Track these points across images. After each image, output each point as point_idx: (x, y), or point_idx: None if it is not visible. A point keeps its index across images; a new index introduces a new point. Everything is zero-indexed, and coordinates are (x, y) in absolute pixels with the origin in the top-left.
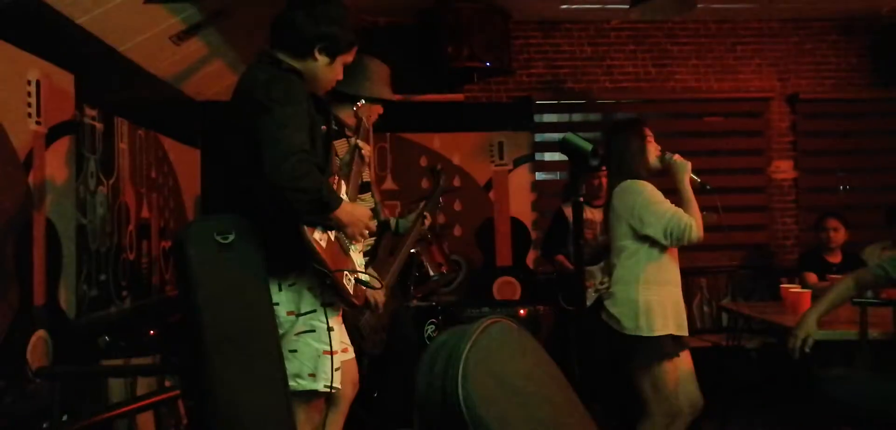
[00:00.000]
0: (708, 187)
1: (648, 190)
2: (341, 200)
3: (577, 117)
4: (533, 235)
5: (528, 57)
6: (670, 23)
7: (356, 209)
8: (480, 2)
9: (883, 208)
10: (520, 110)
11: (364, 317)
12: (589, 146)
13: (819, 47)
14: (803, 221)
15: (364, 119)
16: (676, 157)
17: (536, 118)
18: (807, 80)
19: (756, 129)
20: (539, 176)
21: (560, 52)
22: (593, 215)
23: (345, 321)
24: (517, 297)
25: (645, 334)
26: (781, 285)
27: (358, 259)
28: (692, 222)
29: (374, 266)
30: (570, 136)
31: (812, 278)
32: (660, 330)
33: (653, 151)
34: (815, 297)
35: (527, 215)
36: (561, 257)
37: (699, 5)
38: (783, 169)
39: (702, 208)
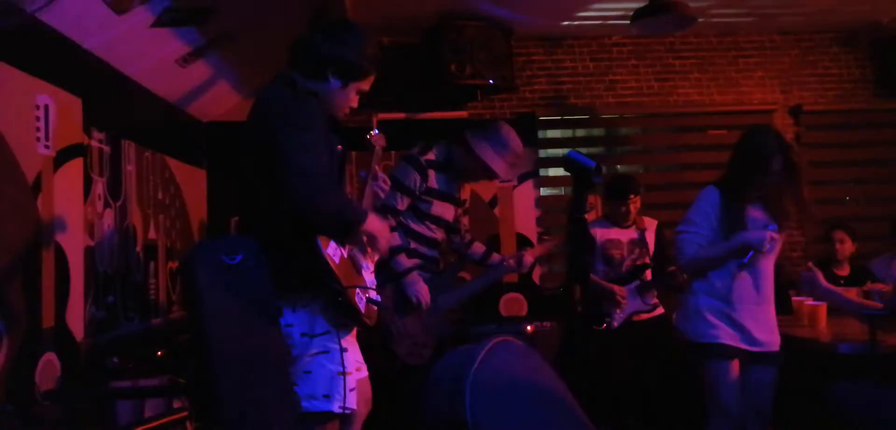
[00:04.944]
0: None
1: None
2: (366, 212)
3: (580, 133)
4: None
5: (531, 73)
6: (671, 37)
7: (380, 221)
8: (483, 20)
9: (889, 220)
10: (523, 127)
11: (401, 318)
12: (592, 163)
13: (821, 59)
14: (810, 232)
15: (377, 147)
16: None
17: (540, 134)
18: (810, 91)
19: None
20: (544, 191)
21: (562, 69)
22: (619, 235)
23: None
24: (524, 313)
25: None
26: (794, 299)
27: (369, 278)
28: None
29: (439, 284)
30: (573, 153)
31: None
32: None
33: None
34: (831, 309)
35: (532, 231)
36: (593, 277)
37: (700, 20)
38: None
39: None
